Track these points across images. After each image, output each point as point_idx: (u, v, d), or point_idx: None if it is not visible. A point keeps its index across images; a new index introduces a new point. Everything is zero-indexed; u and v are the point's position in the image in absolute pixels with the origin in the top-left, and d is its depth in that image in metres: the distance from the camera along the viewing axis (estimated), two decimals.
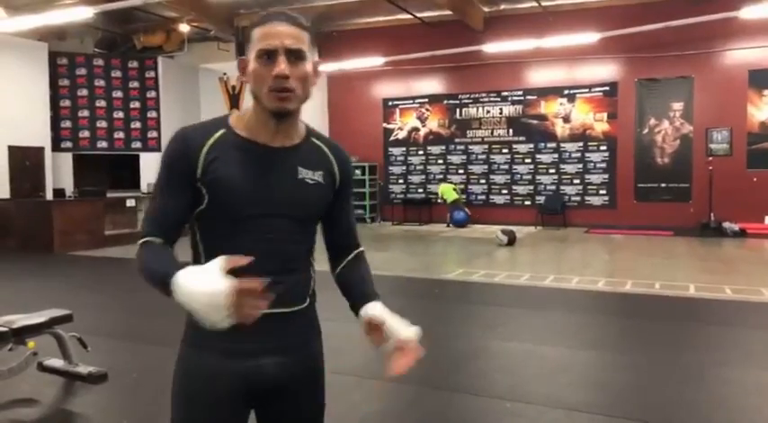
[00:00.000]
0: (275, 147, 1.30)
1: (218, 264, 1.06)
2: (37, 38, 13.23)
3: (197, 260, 1.30)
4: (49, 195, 13.06)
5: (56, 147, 13.73)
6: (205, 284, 1.04)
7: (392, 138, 15.47)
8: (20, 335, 3.38)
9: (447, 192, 13.87)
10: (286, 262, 1.32)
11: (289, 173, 1.31)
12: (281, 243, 1.30)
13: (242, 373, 1.28)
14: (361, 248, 1.53)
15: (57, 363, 3.71)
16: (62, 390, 3.65)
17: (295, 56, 1.25)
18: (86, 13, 10.76)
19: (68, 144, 14.12)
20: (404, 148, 15.38)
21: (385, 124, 15.51)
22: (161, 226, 1.27)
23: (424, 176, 15.17)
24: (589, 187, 13.60)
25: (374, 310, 1.36)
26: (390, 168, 15.55)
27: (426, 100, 15.00)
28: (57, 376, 3.70)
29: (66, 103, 14.14)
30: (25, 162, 12.87)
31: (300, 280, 1.35)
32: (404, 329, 1.34)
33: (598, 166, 13.52)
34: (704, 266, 8.13)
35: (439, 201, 14.17)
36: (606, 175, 13.44)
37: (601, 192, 13.51)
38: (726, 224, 11.59)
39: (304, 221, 1.35)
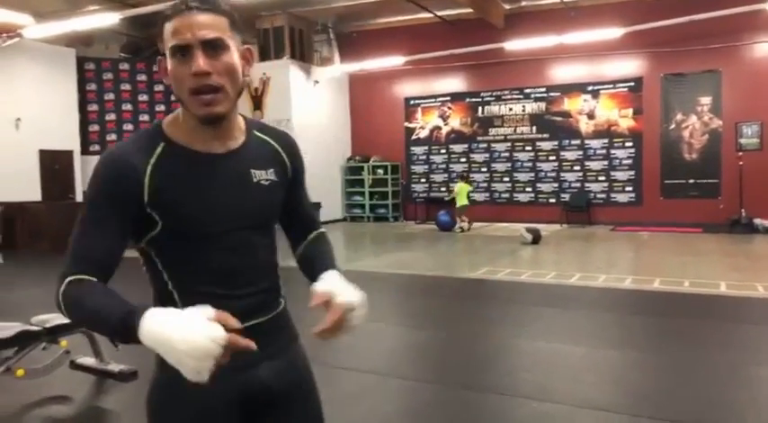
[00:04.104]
0: (221, 153, 1.18)
1: (206, 313, 0.97)
2: (64, 44, 13.50)
3: (160, 284, 1.20)
4: (79, 198, 13.33)
5: (84, 150, 14.01)
6: (193, 332, 0.94)
7: (414, 137, 15.46)
8: (53, 334, 3.46)
9: (462, 194, 12.73)
10: (257, 271, 1.24)
11: (242, 179, 1.20)
12: (250, 254, 1.22)
13: (235, 387, 1.19)
14: (322, 230, 1.43)
15: (88, 361, 3.79)
16: (94, 387, 3.72)
17: (213, 47, 1.09)
18: (112, 19, 10.96)
19: (96, 147, 14.39)
20: (426, 147, 15.34)
21: (407, 123, 15.50)
22: (96, 264, 1.11)
23: (446, 175, 15.12)
24: (615, 184, 13.42)
25: (322, 283, 1.24)
26: (412, 167, 15.53)
27: (448, 98, 14.95)
28: (88, 374, 3.78)
29: (94, 107, 14.42)
30: (55, 165, 13.16)
31: (273, 285, 1.28)
32: (345, 295, 1.20)
33: (623, 162, 13.33)
34: (735, 264, 7.96)
35: (451, 196, 13.21)
36: (632, 172, 13.24)
37: (627, 188, 13.32)
38: (757, 220, 11.32)
39: (266, 226, 1.27)
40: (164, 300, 1.20)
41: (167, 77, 1.14)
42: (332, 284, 1.23)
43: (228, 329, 0.97)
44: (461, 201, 12.63)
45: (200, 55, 1.08)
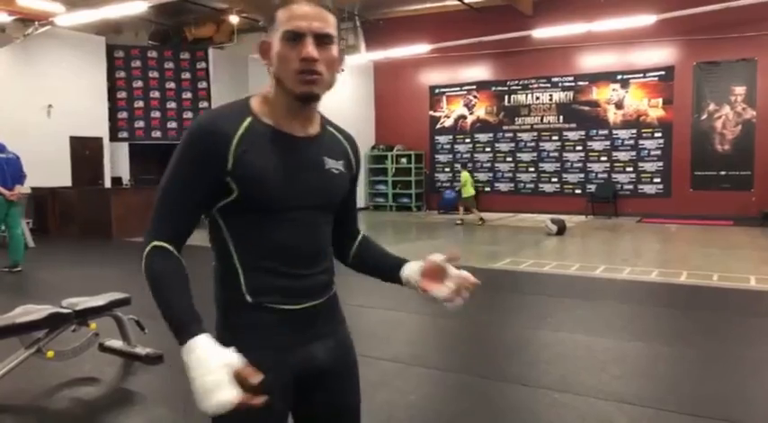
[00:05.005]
0: (301, 137, 1.28)
1: (233, 363, 1.05)
2: (94, 32, 13.70)
3: (224, 255, 1.26)
4: (108, 184, 13.58)
5: (113, 137, 14.25)
6: (210, 388, 1.02)
7: (439, 126, 15.37)
8: (82, 317, 3.54)
9: (468, 183, 12.02)
10: (318, 253, 1.32)
11: (317, 164, 1.29)
12: (314, 235, 1.30)
13: (291, 365, 1.27)
14: (364, 233, 1.54)
15: (116, 344, 3.87)
16: (121, 369, 3.81)
17: (323, 40, 1.21)
18: (140, 7, 11.07)
19: (125, 134, 14.62)
20: (450, 137, 15.26)
21: (431, 112, 15.42)
22: (175, 228, 1.20)
23: (471, 165, 15.02)
24: (642, 175, 13.19)
25: (419, 263, 1.40)
26: (436, 157, 15.46)
27: (474, 87, 14.82)
28: (116, 356, 3.87)
29: (123, 94, 14.63)
30: (85, 152, 13.41)
31: (329, 269, 1.36)
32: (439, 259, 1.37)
33: (652, 153, 13.09)
34: (766, 258, 7.77)
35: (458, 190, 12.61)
36: (661, 163, 12.99)
37: (655, 180, 13.09)
38: None
39: (330, 210, 1.35)
40: (225, 275, 1.26)
41: (268, 58, 1.25)
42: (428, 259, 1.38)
43: (246, 386, 1.04)
44: (468, 191, 11.97)
45: (311, 43, 1.19)
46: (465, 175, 12.09)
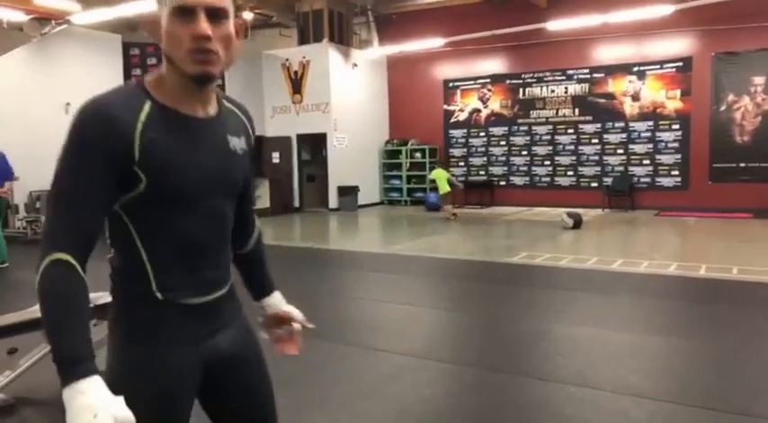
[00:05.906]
0: (202, 117, 1.18)
1: (125, 417, 0.96)
2: (110, 30, 13.82)
3: (130, 252, 1.16)
4: None
5: None
6: None
7: (453, 120, 15.31)
8: (102, 311, 3.57)
9: (441, 179, 11.89)
10: (225, 242, 1.28)
11: (222, 145, 1.21)
12: (222, 222, 1.25)
13: (198, 356, 1.23)
14: (258, 224, 1.51)
15: None
16: None
17: (216, 15, 1.11)
18: (155, 5, 11.13)
19: None
20: (465, 130, 15.19)
21: (446, 106, 15.35)
22: (79, 236, 1.05)
23: (485, 159, 14.95)
24: (660, 168, 13.03)
25: (282, 303, 1.51)
26: (451, 151, 15.40)
27: (488, 80, 14.73)
28: None
29: None
30: None
31: (228, 258, 1.32)
32: (298, 319, 1.50)
33: (669, 145, 12.92)
34: None
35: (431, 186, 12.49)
36: (678, 156, 12.82)
37: (672, 172, 12.92)
38: None
39: (235, 196, 1.29)
40: (130, 270, 1.17)
41: (158, 36, 1.14)
42: (289, 308, 1.51)
43: None
44: (443, 188, 11.90)
45: (204, 19, 1.10)
46: (439, 172, 11.95)
